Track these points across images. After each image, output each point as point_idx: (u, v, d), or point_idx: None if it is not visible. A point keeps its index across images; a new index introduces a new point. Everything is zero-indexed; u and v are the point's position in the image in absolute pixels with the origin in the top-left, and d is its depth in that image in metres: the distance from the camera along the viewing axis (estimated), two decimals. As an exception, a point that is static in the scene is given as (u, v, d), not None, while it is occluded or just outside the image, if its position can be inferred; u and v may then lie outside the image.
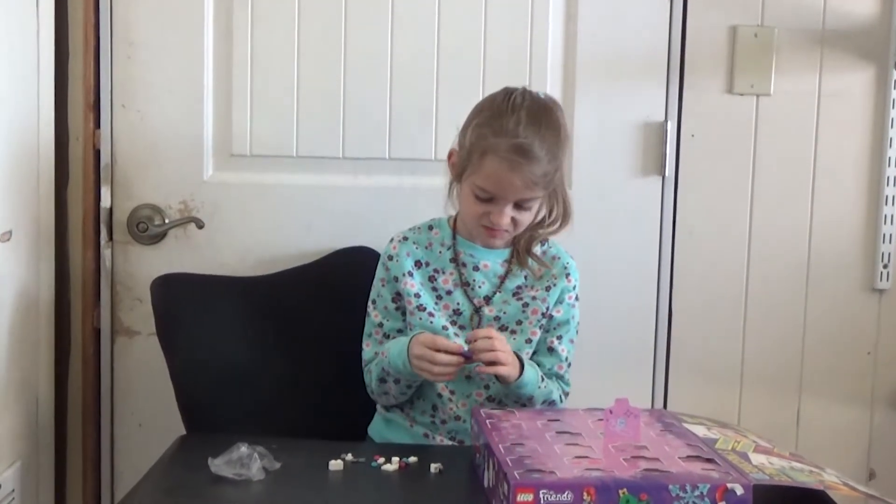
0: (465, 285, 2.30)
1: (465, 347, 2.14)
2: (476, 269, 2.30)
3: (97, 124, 2.67)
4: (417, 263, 2.31)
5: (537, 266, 2.30)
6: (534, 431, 1.89)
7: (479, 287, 2.29)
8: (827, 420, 2.75)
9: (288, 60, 2.66)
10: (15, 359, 2.42)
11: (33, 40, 2.49)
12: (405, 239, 2.34)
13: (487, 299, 2.29)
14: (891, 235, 2.68)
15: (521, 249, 2.30)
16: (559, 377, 2.32)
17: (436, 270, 2.31)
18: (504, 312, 2.29)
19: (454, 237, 2.32)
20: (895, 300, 2.73)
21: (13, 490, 2.42)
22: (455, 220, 2.34)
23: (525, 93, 2.21)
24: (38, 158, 2.52)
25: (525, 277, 2.30)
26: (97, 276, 2.70)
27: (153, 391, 2.63)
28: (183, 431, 2.32)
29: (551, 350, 2.31)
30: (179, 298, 2.44)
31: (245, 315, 2.48)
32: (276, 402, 2.41)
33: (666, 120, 2.67)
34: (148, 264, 2.68)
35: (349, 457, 1.99)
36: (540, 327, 2.29)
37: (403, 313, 2.31)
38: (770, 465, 1.71)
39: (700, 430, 1.91)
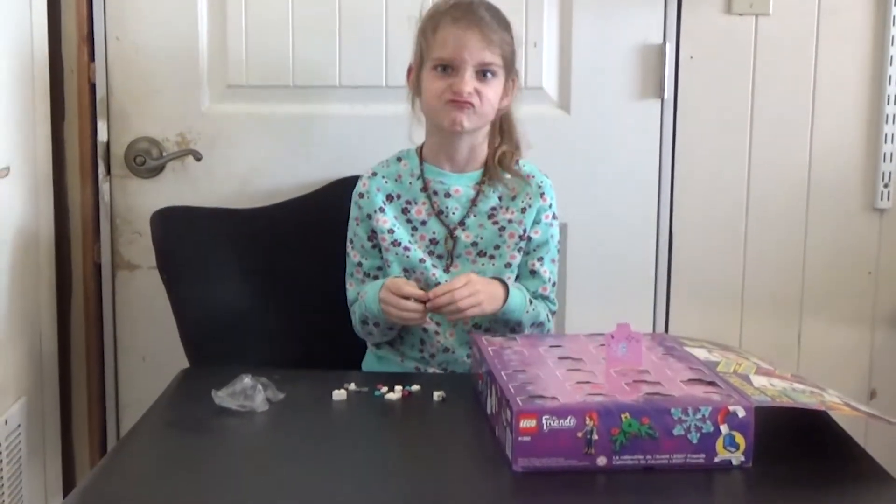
0: (439, 213, 2.30)
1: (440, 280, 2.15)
2: (447, 195, 2.30)
3: (91, 57, 2.65)
4: (389, 197, 2.32)
5: (511, 184, 2.29)
6: (535, 357, 1.89)
7: (453, 213, 2.29)
8: (828, 341, 2.76)
9: (282, -11, 2.64)
10: (17, 295, 2.42)
11: (24, -27, 2.47)
12: (374, 174, 2.34)
13: (462, 224, 2.29)
14: (891, 155, 2.67)
15: (493, 166, 2.29)
16: (545, 298, 2.33)
17: (408, 202, 2.31)
18: (480, 238, 2.29)
19: (422, 165, 2.32)
20: (896, 219, 2.73)
21: (19, 425, 2.43)
22: (422, 149, 2.34)
23: None
24: (34, 93, 2.51)
25: (499, 199, 2.30)
26: (96, 210, 2.70)
27: (155, 325, 2.64)
28: (186, 364, 2.32)
29: (534, 273, 2.32)
30: (179, 231, 2.44)
31: (245, 246, 2.48)
32: (278, 334, 2.42)
33: (664, 42, 2.66)
34: (147, 198, 2.67)
35: (352, 386, 2.00)
36: (519, 250, 2.29)
37: (381, 250, 2.32)
38: (772, 387, 1.72)
39: (701, 354, 1.91)
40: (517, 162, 2.33)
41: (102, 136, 2.67)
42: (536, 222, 2.30)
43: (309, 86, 2.68)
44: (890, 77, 2.66)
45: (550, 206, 2.33)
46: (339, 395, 1.97)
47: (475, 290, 2.14)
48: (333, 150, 2.65)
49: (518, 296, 2.22)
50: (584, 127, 2.68)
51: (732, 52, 2.68)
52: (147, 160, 2.66)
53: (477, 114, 2.21)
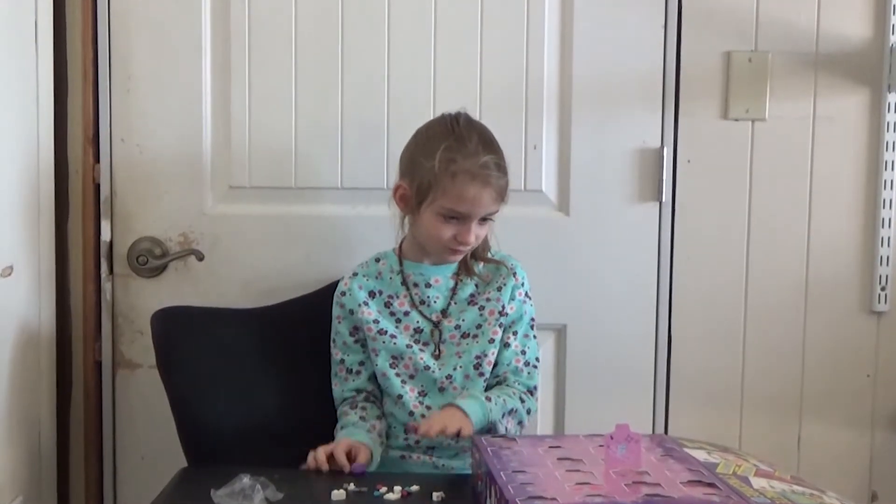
0: (421, 304, 2.37)
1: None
2: (428, 285, 2.37)
3: (96, 158, 2.68)
4: (371, 294, 2.39)
5: (486, 272, 2.39)
6: (535, 458, 1.89)
7: (435, 302, 2.37)
8: (828, 442, 2.75)
9: (285, 92, 2.68)
10: (17, 393, 2.42)
11: (32, 75, 2.50)
12: (355, 275, 2.42)
13: (444, 312, 2.37)
14: (888, 258, 2.69)
15: (467, 259, 2.38)
16: (517, 371, 2.36)
17: (390, 296, 2.38)
18: (463, 320, 2.36)
19: (401, 262, 2.40)
20: (894, 322, 2.73)
21: (16, 524, 2.42)
22: (400, 247, 2.41)
23: (467, 116, 2.32)
24: (39, 193, 2.53)
25: (476, 286, 2.38)
26: (98, 309, 2.71)
27: (155, 423, 2.63)
28: (185, 463, 2.32)
29: (507, 345, 2.37)
30: (179, 331, 2.44)
31: (245, 346, 2.48)
32: (278, 432, 2.42)
33: (662, 146, 2.69)
34: (148, 297, 2.69)
35: (351, 486, 2.00)
36: (499, 325, 2.36)
37: (363, 345, 2.38)
38: (771, 489, 1.72)
39: (701, 455, 1.91)
40: (488, 251, 2.42)
41: (105, 235, 2.69)
42: (512, 299, 2.38)
43: (311, 187, 2.71)
44: (885, 181, 2.68)
45: (523, 284, 2.41)
46: (338, 494, 1.96)
47: (439, 422, 2.15)
48: (335, 251, 2.67)
49: (475, 408, 2.21)
50: (583, 229, 2.70)
51: (729, 156, 2.70)
52: (149, 260, 2.68)
53: (470, 249, 2.33)
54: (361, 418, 2.31)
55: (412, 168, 2.30)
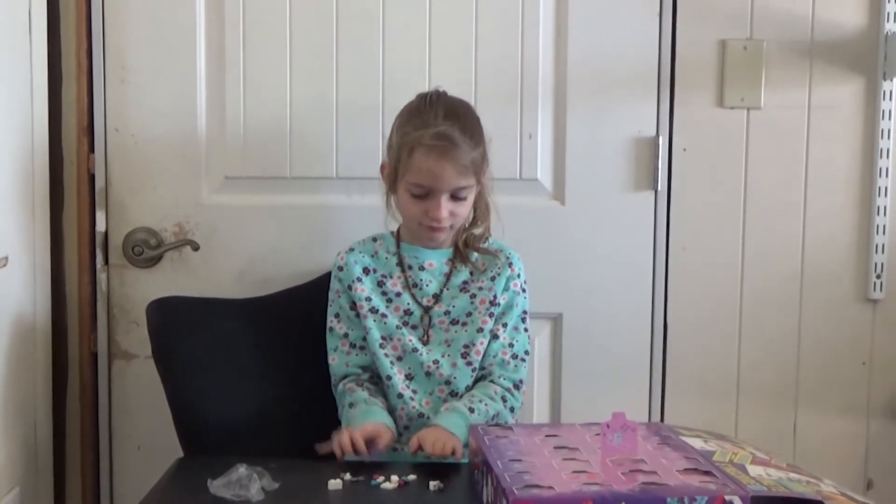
0: (413, 287, 2.37)
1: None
2: (422, 268, 2.37)
3: (91, 148, 2.68)
4: (366, 270, 2.39)
5: (481, 260, 2.38)
6: (531, 447, 1.89)
7: (427, 286, 2.36)
8: (824, 430, 2.76)
9: (280, 82, 2.67)
10: (12, 384, 2.42)
11: (26, 65, 2.50)
12: (352, 250, 2.42)
13: (436, 297, 2.36)
14: (883, 245, 2.69)
15: (462, 248, 2.37)
16: (503, 364, 2.34)
17: (383, 275, 2.38)
18: (453, 306, 2.35)
19: (398, 245, 2.40)
20: (889, 310, 2.73)
21: (12, 515, 2.42)
22: (398, 231, 2.42)
23: (439, 92, 2.33)
24: (33, 183, 2.53)
25: (470, 273, 2.37)
26: (93, 299, 2.71)
27: (151, 414, 2.63)
28: (181, 453, 2.32)
29: (495, 336, 2.35)
30: (175, 321, 2.44)
31: (241, 336, 2.48)
32: (274, 423, 2.42)
33: (657, 134, 2.69)
34: (144, 287, 2.68)
35: (348, 476, 2.00)
36: (490, 315, 2.34)
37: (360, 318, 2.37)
38: (767, 477, 1.72)
39: (697, 443, 1.91)
40: (486, 240, 2.40)
41: (101, 226, 2.69)
42: (505, 289, 2.37)
43: (306, 177, 2.70)
44: (880, 169, 2.68)
45: (518, 275, 2.39)
46: (334, 484, 1.97)
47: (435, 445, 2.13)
48: (330, 241, 2.65)
49: (456, 422, 2.20)
50: (578, 218, 2.70)
51: (725, 144, 2.70)
52: (145, 250, 2.68)
53: (452, 229, 2.33)
54: (370, 397, 2.29)
55: (388, 147, 2.34)
